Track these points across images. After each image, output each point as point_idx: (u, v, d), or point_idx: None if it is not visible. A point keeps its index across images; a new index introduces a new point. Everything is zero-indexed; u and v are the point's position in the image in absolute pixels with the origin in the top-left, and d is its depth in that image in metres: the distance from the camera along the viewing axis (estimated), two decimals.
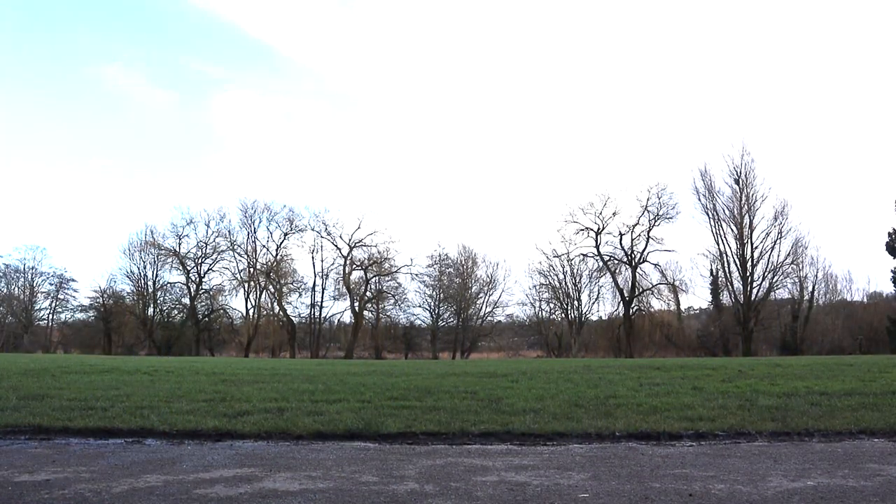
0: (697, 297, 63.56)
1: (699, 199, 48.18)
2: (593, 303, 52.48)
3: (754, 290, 46.38)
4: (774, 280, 46.52)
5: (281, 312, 51.05)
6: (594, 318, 52.88)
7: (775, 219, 46.32)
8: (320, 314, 51.89)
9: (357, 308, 50.75)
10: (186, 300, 50.20)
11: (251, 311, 51.34)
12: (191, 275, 50.18)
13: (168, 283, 50.73)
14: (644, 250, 50.06)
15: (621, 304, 50.08)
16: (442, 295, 52.74)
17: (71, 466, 3.62)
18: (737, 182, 47.50)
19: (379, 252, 51.45)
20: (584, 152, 68.01)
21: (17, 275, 51.38)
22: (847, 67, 61.84)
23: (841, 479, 3.16)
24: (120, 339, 50.55)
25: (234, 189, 78.48)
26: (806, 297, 46.97)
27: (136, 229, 74.50)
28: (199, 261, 50.25)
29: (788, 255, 46.15)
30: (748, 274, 46.66)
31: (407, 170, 70.30)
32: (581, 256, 51.59)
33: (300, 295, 51.83)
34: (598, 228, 50.61)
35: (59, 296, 52.05)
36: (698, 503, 2.82)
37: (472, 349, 51.49)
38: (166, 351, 46.63)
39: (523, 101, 69.09)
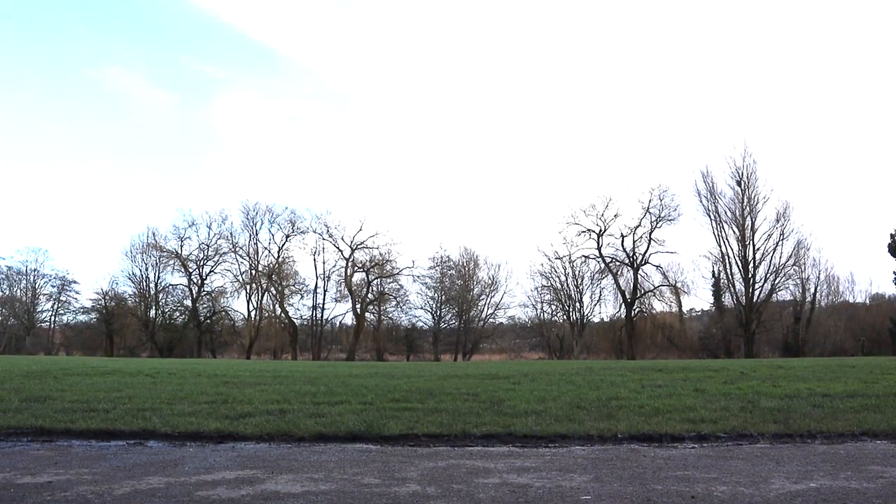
0: (699, 299, 63.53)
1: (701, 201, 48.17)
2: (595, 304, 52.43)
3: (756, 292, 46.32)
4: (776, 282, 46.47)
5: (283, 314, 51.09)
6: (596, 319, 52.84)
7: (777, 220, 46.28)
8: (322, 316, 51.93)
9: (359, 310, 50.76)
10: (188, 302, 50.23)
11: (253, 313, 51.36)
12: (193, 277, 50.19)
13: (170, 285, 50.78)
14: (646, 252, 50.04)
15: (623, 305, 50.05)
16: (444, 297, 52.74)
17: (73, 468, 3.62)
18: (738, 184, 47.47)
19: (380, 254, 51.48)
20: (586, 154, 68.01)
21: (20, 277, 51.46)
22: (848, 69, 61.81)
23: (843, 481, 3.15)
24: (122, 341, 50.58)
25: (236, 190, 78.64)
26: (808, 299, 46.91)
27: (138, 231, 74.53)
28: (201, 263, 50.31)
29: (790, 256, 46.09)
30: (750, 275, 46.62)
31: (409, 171, 70.34)
32: (583, 258, 51.58)
33: (302, 297, 51.87)
34: (600, 230, 50.59)
35: (60, 298, 52.13)
36: None
37: (473, 351, 51.47)
38: (168, 353, 46.66)
39: (525, 102, 69.12)
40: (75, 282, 51.87)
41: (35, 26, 62.50)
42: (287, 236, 51.29)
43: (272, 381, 9.68)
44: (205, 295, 50.81)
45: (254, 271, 50.83)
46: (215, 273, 50.82)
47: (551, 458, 3.97)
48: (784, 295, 47.22)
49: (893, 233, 43.42)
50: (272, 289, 50.97)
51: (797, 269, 46.40)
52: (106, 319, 50.16)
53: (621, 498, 2.87)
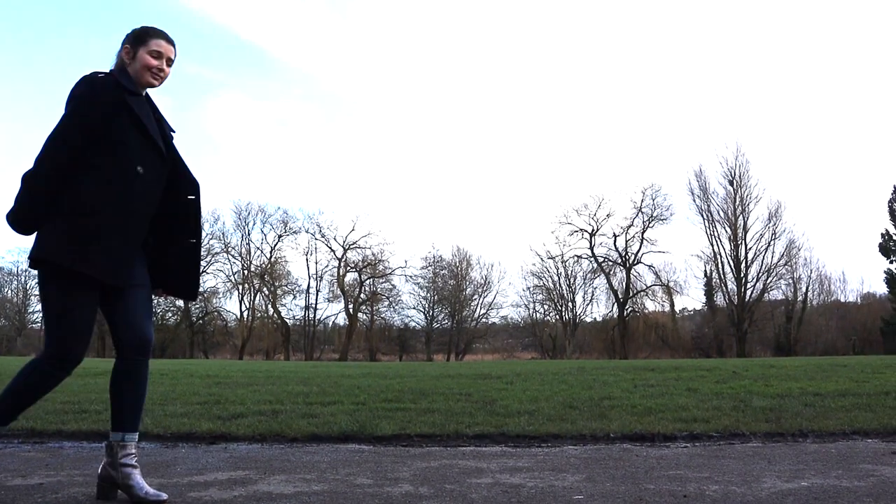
0: (692, 299, 63.62)
1: (694, 201, 48.44)
2: (587, 304, 52.64)
3: (748, 292, 46.57)
4: (768, 281, 46.74)
5: (275, 315, 51.06)
6: (588, 319, 53.04)
7: (769, 220, 46.59)
8: (314, 316, 51.93)
9: (351, 310, 50.79)
10: (180, 302, 50.02)
11: (245, 314, 51.30)
12: None
13: None
14: (638, 252, 50.28)
15: (615, 305, 50.25)
16: (436, 297, 52.80)
17: (64, 470, 3.61)
18: (731, 183, 47.74)
19: (373, 254, 51.53)
20: (578, 153, 68.13)
21: (10, 278, 51.28)
22: (841, 69, 62.11)
23: (835, 480, 3.17)
24: None
25: (228, 191, 78.43)
26: (800, 299, 47.21)
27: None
28: None
29: (782, 256, 46.40)
30: (742, 275, 46.85)
31: (401, 171, 70.33)
32: (575, 258, 51.78)
33: (294, 297, 51.87)
34: (593, 230, 50.79)
35: None
36: None
37: (466, 351, 51.52)
38: (160, 353, 46.50)
39: (516, 102, 69.18)
40: None
41: (28, 29, 62.21)
42: (279, 236, 51.26)
43: (265, 381, 9.67)
44: None
45: (246, 271, 50.77)
46: (207, 273, 50.71)
47: (544, 458, 3.97)
48: (776, 294, 47.50)
49: (884, 233, 43.68)
50: (265, 289, 50.92)
51: (789, 268, 46.68)
52: (97, 320, 49.86)
53: (613, 497, 2.88)
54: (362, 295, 50.67)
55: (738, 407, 6.12)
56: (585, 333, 51.80)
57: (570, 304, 51.20)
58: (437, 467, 3.66)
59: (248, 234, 50.46)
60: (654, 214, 49.40)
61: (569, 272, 51.04)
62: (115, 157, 2.85)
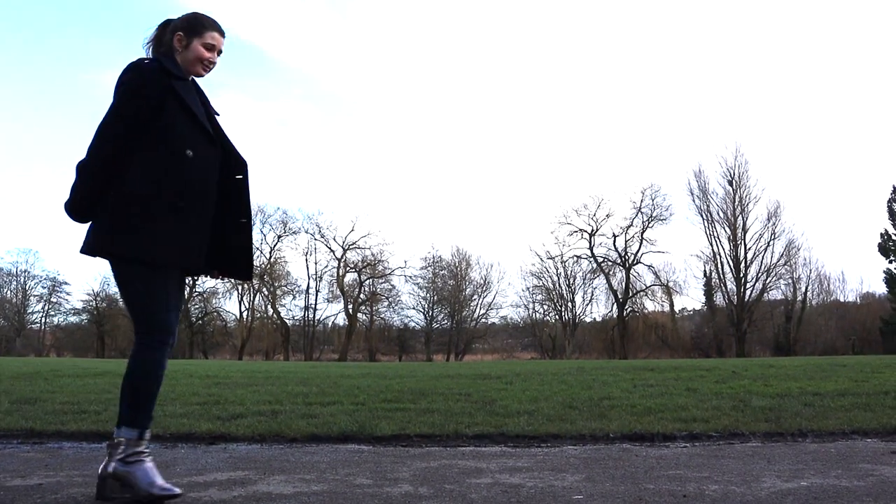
0: (691, 299, 63.69)
1: (693, 201, 48.46)
2: (587, 304, 52.67)
3: (748, 292, 46.58)
4: (768, 281, 46.75)
5: (275, 315, 51.04)
6: (588, 319, 53.06)
7: (769, 220, 46.62)
8: (314, 317, 51.92)
9: (351, 310, 50.78)
10: None
11: (245, 314, 51.31)
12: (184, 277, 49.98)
13: None
14: (638, 252, 50.27)
15: (615, 305, 50.26)
16: (436, 297, 52.81)
17: (63, 471, 3.61)
18: (730, 183, 47.74)
19: (373, 254, 51.53)
20: (578, 154, 68.16)
21: (10, 278, 51.27)
22: (840, 69, 62.13)
23: (834, 480, 3.17)
24: (113, 343, 50.38)
25: None
26: (799, 298, 47.23)
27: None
28: None
29: (781, 256, 46.41)
30: (741, 275, 46.86)
31: (400, 172, 70.35)
32: (575, 258, 51.80)
33: (294, 297, 51.88)
34: (592, 230, 50.80)
35: (51, 299, 51.91)
36: None
37: (466, 351, 51.53)
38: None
39: (516, 102, 69.21)
40: (66, 283, 51.70)
41: (28, 31, 62.24)
42: (279, 237, 51.27)
43: (264, 381, 9.66)
44: (196, 295, 50.68)
45: None
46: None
47: (543, 458, 3.97)
48: (775, 294, 47.52)
49: (883, 232, 43.69)
50: (264, 289, 50.91)
51: (788, 268, 46.70)
52: (97, 321, 49.96)
53: (613, 497, 2.88)
54: (362, 295, 50.70)
55: (738, 407, 6.11)
56: (585, 333, 51.79)
57: (569, 304, 51.24)
58: (436, 467, 3.65)
59: None
60: (654, 214, 49.47)
61: (568, 272, 51.09)
62: (164, 143, 2.87)
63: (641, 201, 49.77)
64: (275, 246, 50.42)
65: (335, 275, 50.75)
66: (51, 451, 4.39)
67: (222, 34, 3.10)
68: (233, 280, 3.59)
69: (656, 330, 48.87)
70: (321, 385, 8.97)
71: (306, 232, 51.21)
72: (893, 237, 43.44)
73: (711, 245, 47.31)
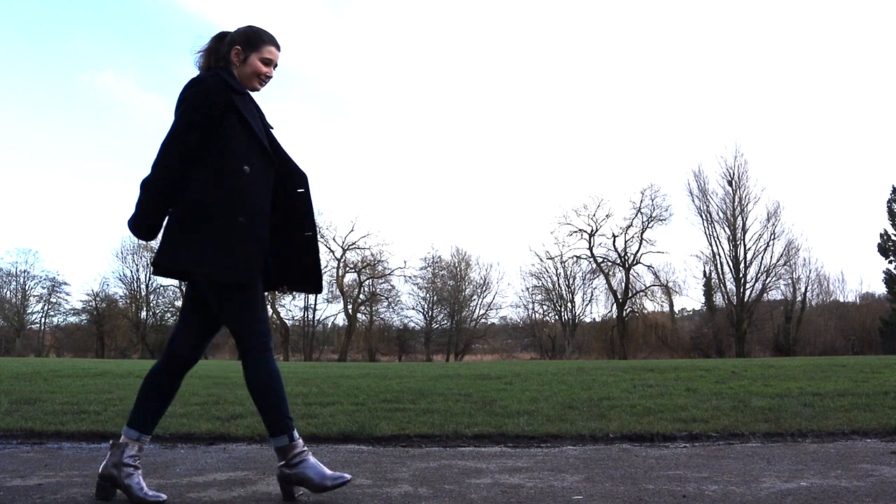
0: (691, 299, 63.75)
1: (693, 201, 48.44)
2: (587, 305, 52.66)
3: (747, 292, 46.57)
4: (767, 281, 46.73)
5: (274, 315, 50.96)
6: (588, 319, 53.04)
7: (768, 220, 46.60)
8: (314, 317, 51.90)
9: (350, 311, 50.77)
10: (179, 303, 50.00)
11: None
12: None
13: (161, 286, 50.63)
14: (637, 252, 50.25)
15: (615, 305, 50.25)
16: (435, 297, 52.80)
17: (63, 471, 3.61)
18: (730, 183, 47.74)
19: (372, 254, 51.51)
20: (578, 154, 68.16)
21: (9, 278, 51.23)
22: (840, 70, 62.16)
23: (834, 480, 3.17)
24: (113, 343, 50.37)
25: None
26: (798, 299, 47.21)
27: (129, 232, 74.41)
28: None
29: (781, 256, 46.39)
30: (741, 275, 46.83)
31: (400, 172, 70.35)
32: (574, 258, 51.79)
33: (293, 297, 51.77)
34: (592, 230, 50.81)
35: (51, 299, 51.85)
36: None
37: (465, 351, 51.52)
38: (160, 354, 46.47)
39: (516, 102, 69.22)
40: (66, 283, 51.62)
41: (27, 31, 62.23)
42: None
43: None
44: None
45: None
46: None
47: (543, 459, 3.97)
48: (775, 294, 47.50)
49: (883, 233, 43.71)
50: None
51: (788, 268, 46.68)
52: (97, 321, 49.93)
53: (613, 497, 2.88)
54: (361, 295, 50.70)
55: (738, 407, 6.11)
56: (584, 334, 51.80)
57: (569, 304, 51.24)
58: (436, 468, 3.66)
59: None
60: (654, 215, 49.47)
61: (568, 272, 51.09)
62: (224, 158, 2.87)
63: (641, 201, 49.80)
64: None
65: (335, 275, 50.79)
66: (50, 452, 4.39)
67: (279, 48, 3.09)
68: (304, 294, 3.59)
69: (656, 330, 48.88)
70: (321, 385, 8.98)
71: None
72: (893, 237, 43.47)
73: (711, 245, 47.35)
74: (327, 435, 4.88)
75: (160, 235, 2.92)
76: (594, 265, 50.62)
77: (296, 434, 2.95)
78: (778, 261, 45.58)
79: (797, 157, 63.58)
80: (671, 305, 49.84)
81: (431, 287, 51.71)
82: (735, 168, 46.48)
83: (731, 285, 46.34)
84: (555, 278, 51.11)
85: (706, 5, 62.89)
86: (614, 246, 50.03)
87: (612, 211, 57.05)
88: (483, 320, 52.70)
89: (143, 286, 49.38)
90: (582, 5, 65.44)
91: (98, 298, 49.99)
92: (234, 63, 3.04)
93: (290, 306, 51.30)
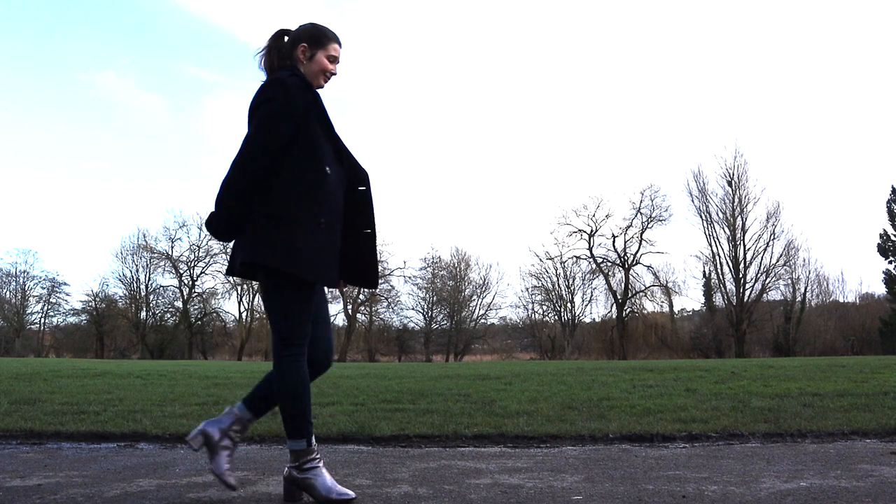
0: (690, 299, 63.79)
1: (692, 201, 48.44)
2: (586, 305, 52.64)
3: (747, 292, 46.56)
4: (767, 282, 46.72)
5: None
6: (587, 320, 53.03)
7: (768, 220, 46.60)
8: None
9: (350, 311, 50.75)
10: (179, 303, 50.14)
11: (244, 315, 51.28)
12: (183, 278, 50.07)
13: (160, 286, 50.66)
14: (637, 252, 50.25)
15: (614, 306, 50.24)
16: (435, 297, 52.78)
17: (63, 471, 3.60)
18: (730, 184, 47.74)
19: None
20: (577, 154, 68.18)
21: (9, 279, 51.20)
22: (839, 70, 62.19)
23: (833, 480, 3.17)
24: (112, 343, 50.35)
25: None
26: (798, 299, 47.20)
27: (129, 233, 74.38)
28: (192, 264, 50.23)
29: (781, 256, 46.39)
30: (741, 276, 46.83)
31: (399, 172, 70.36)
32: (574, 259, 51.79)
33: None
34: (591, 231, 50.81)
35: (51, 300, 51.82)
36: None
37: (465, 352, 51.50)
38: (159, 354, 46.48)
39: (515, 103, 69.24)
40: (65, 283, 51.62)
41: (27, 32, 62.25)
42: None
43: None
44: (196, 296, 50.70)
45: None
46: (206, 274, 50.69)
47: (543, 459, 3.97)
48: (774, 295, 47.50)
49: (882, 233, 43.73)
50: None
51: (787, 269, 46.67)
52: (96, 321, 49.90)
53: (612, 498, 2.88)
54: (361, 296, 50.67)
55: (737, 407, 6.11)
56: (584, 334, 51.80)
57: (568, 304, 51.23)
58: (435, 468, 3.66)
59: None
60: (653, 215, 49.48)
61: (567, 273, 51.09)
62: (308, 159, 2.84)
63: (640, 202, 49.83)
64: None
65: None
66: (50, 452, 4.39)
67: (341, 45, 3.07)
68: (360, 288, 3.57)
69: (655, 330, 48.87)
70: (320, 385, 8.97)
71: None
72: (892, 238, 43.49)
73: (710, 245, 47.35)
74: (327, 435, 4.88)
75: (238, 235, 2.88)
76: (594, 265, 50.67)
77: (314, 440, 2.94)
78: (777, 261, 45.62)
79: (797, 157, 63.67)
80: (671, 306, 49.89)
81: (431, 287, 51.74)
82: (735, 168, 46.53)
83: (730, 285, 46.37)
84: (554, 279, 51.15)
85: (706, 5, 62.96)
86: (614, 246, 50.09)
87: (612, 211, 57.14)
88: (483, 321, 52.74)
89: (142, 286, 49.42)
90: (582, 5, 65.52)
91: (97, 299, 50.02)
92: (300, 61, 2.99)
93: None
